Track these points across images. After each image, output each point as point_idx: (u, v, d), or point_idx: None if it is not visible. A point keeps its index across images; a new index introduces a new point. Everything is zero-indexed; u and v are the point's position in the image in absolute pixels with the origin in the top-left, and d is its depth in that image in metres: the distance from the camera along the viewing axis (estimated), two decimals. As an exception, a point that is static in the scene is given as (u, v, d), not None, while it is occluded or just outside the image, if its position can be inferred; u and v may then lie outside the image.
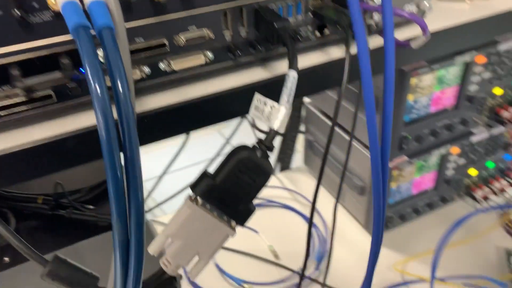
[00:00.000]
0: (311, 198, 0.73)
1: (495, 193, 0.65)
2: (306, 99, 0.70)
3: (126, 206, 0.21)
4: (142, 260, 0.22)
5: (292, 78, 0.25)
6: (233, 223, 0.26)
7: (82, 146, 0.29)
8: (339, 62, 0.32)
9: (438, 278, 0.56)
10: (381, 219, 0.34)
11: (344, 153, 0.65)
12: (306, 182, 0.76)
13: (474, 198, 0.66)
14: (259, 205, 0.72)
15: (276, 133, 0.24)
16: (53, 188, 0.43)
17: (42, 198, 0.43)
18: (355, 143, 0.61)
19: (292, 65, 0.25)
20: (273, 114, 0.25)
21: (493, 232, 0.64)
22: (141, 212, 0.21)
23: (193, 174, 0.72)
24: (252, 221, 0.70)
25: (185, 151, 0.65)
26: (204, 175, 0.25)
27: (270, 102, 0.25)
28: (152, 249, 0.25)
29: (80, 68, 0.27)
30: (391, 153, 0.58)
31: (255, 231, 0.68)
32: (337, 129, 0.66)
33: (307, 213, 0.70)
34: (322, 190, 0.75)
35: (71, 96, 0.28)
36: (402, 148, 0.57)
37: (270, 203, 0.72)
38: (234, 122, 0.77)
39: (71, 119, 0.28)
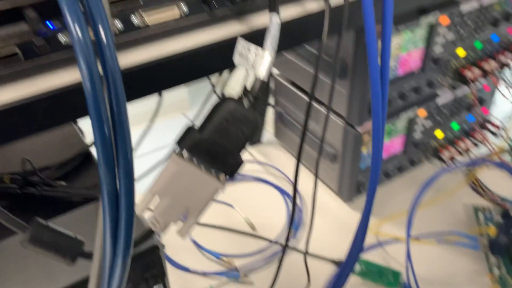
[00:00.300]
0: (283, 170, 0.73)
1: (460, 153, 0.68)
2: (275, 71, 0.70)
3: (114, 155, 0.20)
4: (132, 212, 0.21)
5: (276, 24, 0.25)
6: (222, 176, 0.25)
7: (54, 108, 0.27)
8: (318, 15, 0.32)
9: (413, 237, 0.58)
10: (376, 176, 0.34)
11: (314, 122, 0.65)
12: (277, 155, 0.76)
13: (441, 160, 0.68)
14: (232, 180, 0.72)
15: (262, 82, 0.24)
16: (21, 166, 0.41)
17: (9, 177, 0.40)
18: (324, 110, 0.62)
19: (274, 8, 0.25)
20: (258, 61, 0.24)
21: (460, 191, 0.67)
22: (130, 160, 0.20)
23: (159, 159, 0.70)
24: (226, 196, 0.70)
25: (150, 135, 0.63)
26: (190, 128, 0.24)
27: (254, 48, 0.24)
28: (138, 208, 0.24)
29: (47, 21, 0.25)
30: (361, 118, 0.59)
31: (230, 205, 0.67)
32: (301, 94, 0.66)
33: (280, 184, 0.70)
34: (291, 159, 0.75)
35: (39, 54, 0.26)
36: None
37: (243, 177, 0.72)
38: (198, 104, 0.75)
39: (41, 80, 0.27)
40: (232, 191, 0.70)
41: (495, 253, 0.56)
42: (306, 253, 0.51)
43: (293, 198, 0.39)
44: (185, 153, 0.24)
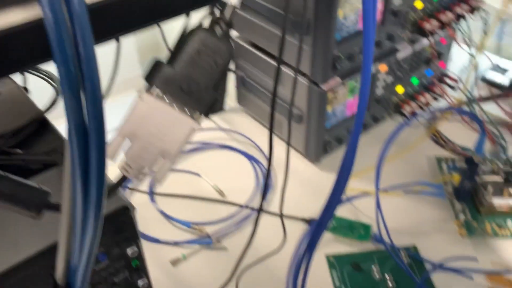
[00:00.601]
0: (249, 136, 0.72)
1: (421, 108, 0.69)
2: (234, 32, 0.68)
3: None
4: (104, 150, 0.19)
5: None
6: (197, 114, 0.24)
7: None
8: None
9: (381, 190, 0.59)
10: (360, 123, 0.33)
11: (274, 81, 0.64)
12: (241, 121, 0.75)
13: (403, 115, 0.69)
14: (196, 149, 0.70)
15: (234, 7, 0.22)
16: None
17: (-41, 149, 0.37)
18: (287, 71, 0.61)
19: None
20: (228, -13, 0.22)
21: (422, 144, 0.68)
22: (97, 84, 0.18)
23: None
24: (191, 165, 0.68)
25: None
26: (159, 63, 0.22)
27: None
28: (108, 153, 0.22)
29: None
30: (325, 75, 0.58)
31: (197, 174, 0.66)
32: (263, 56, 0.64)
33: (246, 150, 0.69)
34: (256, 124, 0.74)
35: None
36: (335, 68, 0.57)
37: (207, 146, 0.70)
38: None
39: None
40: (198, 160, 0.68)
41: (460, 199, 0.58)
42: (281, 215, 0.50)
43: (268, 162, 0.38)
44: (155, 90, 0.23)
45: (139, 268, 0.31)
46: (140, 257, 0.31)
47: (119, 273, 0.30)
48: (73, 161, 0.19)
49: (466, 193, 0.57)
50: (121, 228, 0.32)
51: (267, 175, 0.38)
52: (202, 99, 0.23)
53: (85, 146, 0.19)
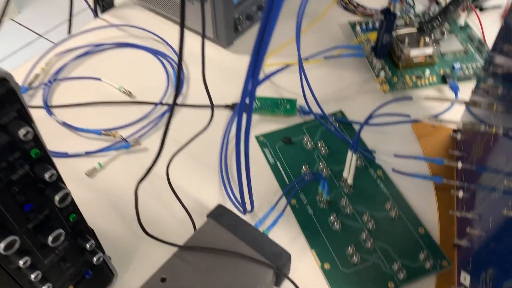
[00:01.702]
0: (148, 28, 0.64)
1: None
2: None
3: None
4: None
5: None
6: None
7: None
8: None
9: (303, 59, 0.56)
10: None
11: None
12: (137, 15, 0.66)
13: (310, -17, 0.65)
14: (88, 52, 0.61)
15: None
16: None
17: None
18: None
19: None
20: None
21: (332, 12, 0.66)
22: None
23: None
24: (88, 70, 0.59)
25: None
26: None
27: None
28: None
29: None
30: (229, 38, 0.53)
31: (97, 79, 0.57)
32: None
33: (148, 44, 0.62)
34: (153, 15, 0.66)
35: None
36: (237, 29, 0.52)
37: (102, 47, 0.61)
38: (27, 7, 0.59)
39: None
40: (94, 63, 0.60)
41: (378, 56, 0.57)
42: (212, 106, 0.45)
43: (179, 56, 0.31)
44: None
45: (41, 158, 0.25)
46: (39, 144, 0.25)
47: (16, 168, 0.24)
48: None
49: (384, 48, 0.56)
50: (2, 105, 0.24)
51: (179, 66, 0.32)
52: None
53: None
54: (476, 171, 0.41)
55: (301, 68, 0.50)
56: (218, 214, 0.39)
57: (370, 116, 0.43)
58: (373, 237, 0.42)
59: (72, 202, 0.30)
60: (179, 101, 0.55)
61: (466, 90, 0.53)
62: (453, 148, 0.49)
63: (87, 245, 0.31)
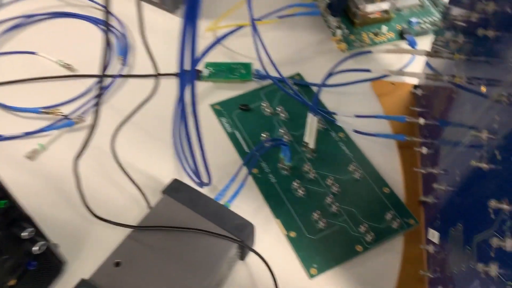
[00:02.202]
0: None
1: None
2: None
3: None
4: None
5: None
6: None
7: None
8: None
9: (256, 19, 0.52)
10: None
11: None
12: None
13: None
14: (19, 25, 0.55)
15: None
16: None
17: None
18: None
19: None
20: None
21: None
22: None
23: None
24: (21, 44, 0.53)
25: None
26: None
27: None
28: None
29: None
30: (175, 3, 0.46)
31: (32, 53, 0.52)
32: None
33: (87, 12, 0.57)
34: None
35: None
36: None
37: (34, 18, 0.56)
38: None
39: None
40: (27, 36, 0.54)
41: (334, 13, 0.54)
42: (157, 74, 0.41)
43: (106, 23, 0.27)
44: None
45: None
46: None
47: None
48: None
49: (340, 4, 0.53)
50: None
51: (107, 29, 0.28)
52: None
53: None
54: (439, 126, 0.39)
55: (254, 29, 0.47)
56: (174, 189, 0.36)
57: (329, 75, 0.41)
58: (338, 200, 0.40)
59: (1, 187, 0.26)
60: (124, 72, 0.51)
61: (424, 44, 0.52)
62: (414, 105, 0.48)
63: (25, 234, 0.28)
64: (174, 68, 0.50)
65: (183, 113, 0.31)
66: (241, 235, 0.33)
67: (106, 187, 0.41)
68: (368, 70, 0.47)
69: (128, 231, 0.34)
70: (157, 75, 0.39)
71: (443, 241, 0.34)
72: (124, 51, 0.53)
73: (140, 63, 0.52)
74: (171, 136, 0.45)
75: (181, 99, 0.30)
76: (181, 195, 0.36)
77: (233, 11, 0.57)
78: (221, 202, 0.38)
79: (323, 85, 0.48)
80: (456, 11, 0.40)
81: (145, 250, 0.33)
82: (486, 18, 0.32)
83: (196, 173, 0.36)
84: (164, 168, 0.42)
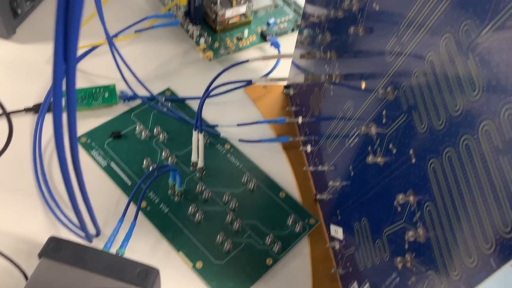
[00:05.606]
0: None
1: None
2: None
3: None
4: None
5: None
6: None
7: None
8: None
9: (112, 36, 0.47)
10: None
11: None
12: None
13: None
14: None
15: None
16: None
17: None
18: None
19: None
20: None
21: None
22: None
23: None
24: None
25: None
26: None
27: None
28: None
29: None
30: (9, 27, 0.39)
31: None
32: None
33: None
34: None
35: None
36: (17, 14, 0.39)
37: None
38: None
39: None
40: None
41: (194, 21, 0.52)
42: (7, 114, 0.34)
43: None
44: None
45: None
46: None
47: None
48: None
49: (198, 12, 0.51)
50: None
51: None
52: None
53: None
54: (317, 123, 0.40)
55: (112, 46, 0.42)
56: (53, 249, 0.30)
57: (209, 89, 0.38)
58: (239, 216, 0.38)
59: None
60: (-42, 116, 0.42)
61: (286, 44, 0.53)
62: (289, 105, 0.48)
63: None
64: (22, 102, 0.43)
65: (61, 150, 0.25)
66: (147, 284, 0.30)
67: (-39, 264, 0.33)
68: (242, 81, 0.45)
69: (4, 315, 0.27)
70: (7, 114, 0.32)
71: (348, 236, 0.34)
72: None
73: None
74: (36, 185, 0.38)
75: (58, 134, 0.25)
76: (63, 255, 0.30)
77: (82, 30, 0.51)
78: (113, 250, 0.34)
79: (205, 98, 0.46)
80: (310, 9, 0.41)
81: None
82: (353, 15, 0.33)
83: (82, 225, 0.31)
84: (34, 225, 0.36)
